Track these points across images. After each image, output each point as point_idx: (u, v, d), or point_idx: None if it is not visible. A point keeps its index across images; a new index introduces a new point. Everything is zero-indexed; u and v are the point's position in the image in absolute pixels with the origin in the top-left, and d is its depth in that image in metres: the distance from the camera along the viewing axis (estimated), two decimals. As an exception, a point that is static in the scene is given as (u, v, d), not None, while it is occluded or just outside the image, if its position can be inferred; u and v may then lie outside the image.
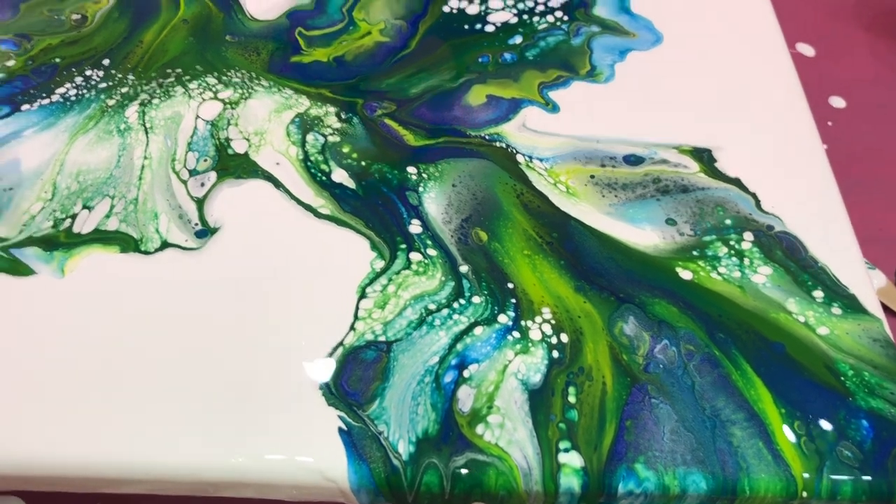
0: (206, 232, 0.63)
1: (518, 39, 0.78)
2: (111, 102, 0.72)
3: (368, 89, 0.74)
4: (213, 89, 0.73)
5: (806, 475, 0.51)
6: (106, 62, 0.76)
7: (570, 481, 0.51)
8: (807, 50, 1.09)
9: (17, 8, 0.80)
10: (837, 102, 1.00)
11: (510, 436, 0.52)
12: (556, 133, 0.71)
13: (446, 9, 0.81)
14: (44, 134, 0.70)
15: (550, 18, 0.80)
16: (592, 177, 0.68)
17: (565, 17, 0.80)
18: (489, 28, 0.79)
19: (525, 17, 0.81)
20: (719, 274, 0.62)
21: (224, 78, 0.74)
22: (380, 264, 0.61)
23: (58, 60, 0.76)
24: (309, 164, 0.68)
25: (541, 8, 0.81)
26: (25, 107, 0.72)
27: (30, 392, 0.54)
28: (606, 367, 0.56)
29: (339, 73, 0.76)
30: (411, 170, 0.68)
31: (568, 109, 0.73)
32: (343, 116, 0.72)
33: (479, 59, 0.77)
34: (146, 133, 0.70)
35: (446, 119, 0.72)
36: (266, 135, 0.70)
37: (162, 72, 0.75)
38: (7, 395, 0.54)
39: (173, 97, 0.73)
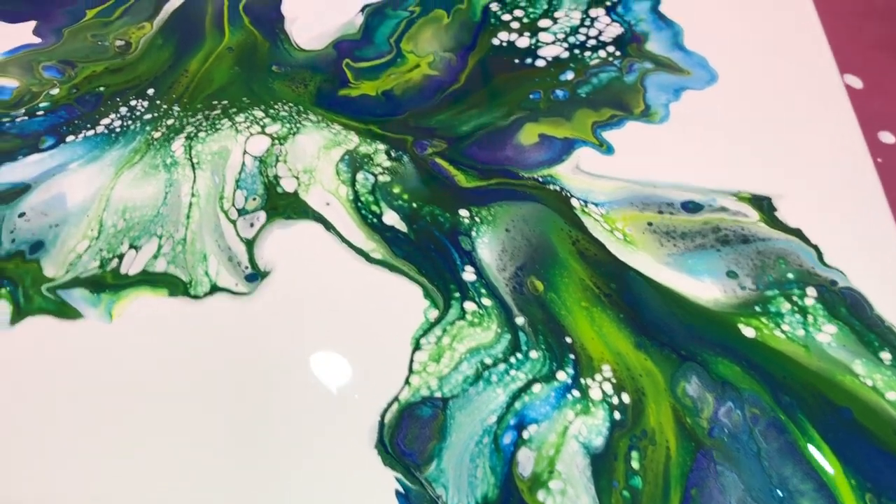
0: (256, 276, 0.61)
1: (570, 75, 0.77)
2: (157, 135, 0.71)
3: (418, 126, 0.73)
4: (261, 123, 0.72)
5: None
6: (151, 92, 0.74)
7: (639, 558, 0.49)
8: (855, 82, 1.06)
9: (60, 33, 0.79)
10: (887, 138, 0.98)
11: (573, 504, 0.50)
12: (612, 176, 0.69)
13: (496, 41, 0.79)
14: (89, 167, 0.68)
15: (602, 54, 0.78)
16: (650, 224, 0.66)
17: (618, 53, 0.78)
18: (540, 62, 0.78)
19: (576, 51, 0.79)
20: (783, 332, 0.60)
21: (271, 111, 0.73)
22: (434, 314, 0.60)
23: (102, 89, 0.74)
24: (360, 204, 0.66)
25: (592, 42, 0.79)
26: (70, 138, 0.70)
27: (77, 440, 0.52)
28: (670, 430, 0.54)
29: (387, 108, 0.74)
30: (463, 213, 0.66)
31: (623, 151, 0.71)
32: (393, 154, 0.70)
33: (531, 96, 0.75)
34: (193, 168, 0.68)
35: (498, 159, 0.70)
36: (315, 173, 0.68)
37: (208, 103, 0.74)
38: (53, 444, 0.52)
39: (220, 130, 0.71)
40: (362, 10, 0.82)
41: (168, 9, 0.81)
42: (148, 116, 0.72)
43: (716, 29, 0.81)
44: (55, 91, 0.73)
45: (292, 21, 0.81)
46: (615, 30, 0.81)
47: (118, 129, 0.71)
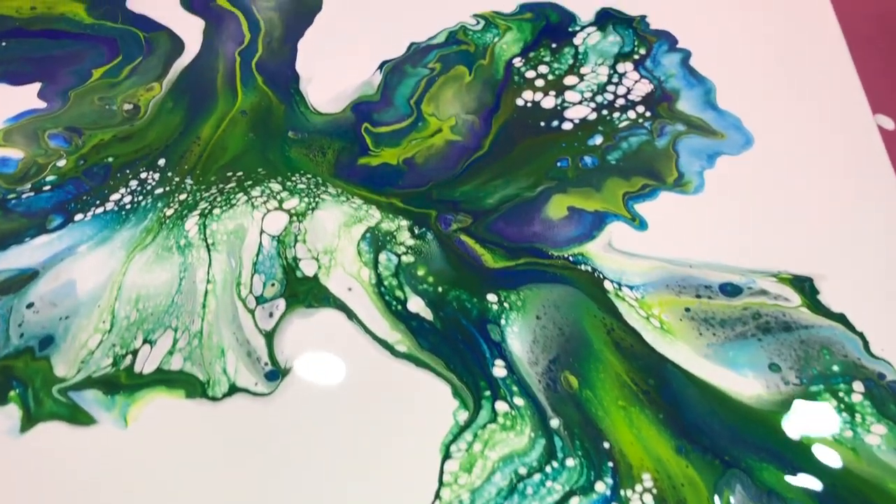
0: (276, 374, 0.58)
1: (598, 140, 0.73)
2: (169, 212, 0.68)
3: (441, 199, 0.69)
4: (278, 197, 0.69)
5: None
6: (162, 162, 0.71)
7: None
8: (887, 123, 1.03)
9: (66, 96, 0.75)
10: (923, 185, 0.94)
11: None
12: (646, 255, 0.66)
13: (520, 101, 0.76)
14: (99, 250, 0.65)
15: (632, 114, 0.75)
16: (688, 310, 0.63)
17: (647, 113, 0.75)
18: (567, 125, 0.74)
19: (604, 111, 0.75)
20: (830, 433, 0.57)
21: (289, 184, 0.70)
22: (464, 416, 0.57)
23: (110, 160, 0.71)
24: (383, 289, 0.63)
25: (621, 101, 0.76)
26: (79, 217, 0.67)
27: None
28: (716, 549, 0.51)
29: (409, 178, 0.71)
30: (492, 298, 0.63)
31: (656, 225, 0.68)
32: (416, 231, 0.67)
33: (558, 163, 0.72)
34: (208, 250, 0.65)
35: (526, 235, 0.67)
36: (336, 254, 0.65)
37: (222, 175, 0.70)
38: None
39: (235, 206, 0.68)
40: (380, 67, 0.78)
41: (177, 67, 0.78)
42: (159, 191, 0.69)
43: (748, 83, 0.78)
44: (62, 163, 0.70)
45: (308, 80, 0.77)
46: (644, 87, 0.77)
47: (128, 206, 0.68)
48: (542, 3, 0.84)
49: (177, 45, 0.80)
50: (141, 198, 0.68)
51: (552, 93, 0.77)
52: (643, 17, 0.82)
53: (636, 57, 0.80)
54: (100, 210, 0.68)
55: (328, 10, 0.84)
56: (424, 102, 0.76)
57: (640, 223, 0.68)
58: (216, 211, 0.68)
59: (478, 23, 0.83)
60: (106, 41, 0.80)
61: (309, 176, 0.71)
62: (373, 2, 0.84)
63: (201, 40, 0.81)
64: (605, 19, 0.83)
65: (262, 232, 0.66)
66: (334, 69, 0.79)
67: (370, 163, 0.72)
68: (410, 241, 0.66)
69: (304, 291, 0.63)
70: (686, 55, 0.80)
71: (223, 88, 0.77)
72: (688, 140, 0.73)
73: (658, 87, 0.77)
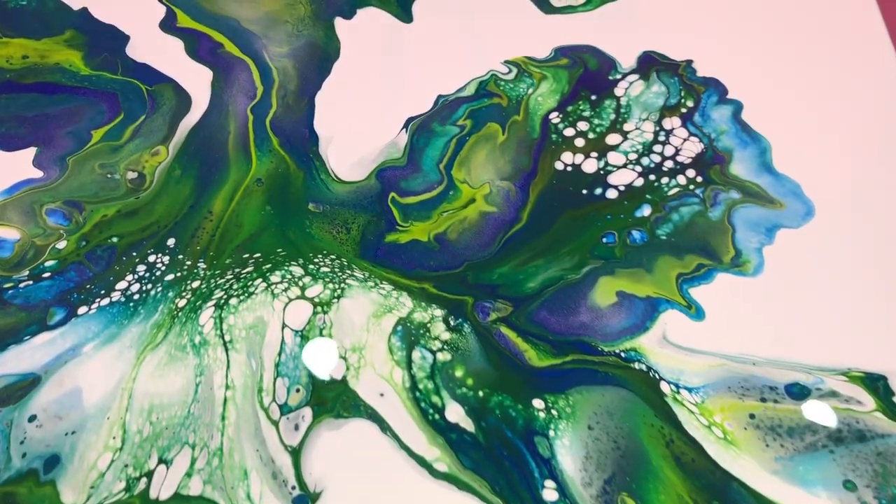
0: (305, 499, 0.53)
1: (647, 210, 0.67)
2: (181, 303, 0.61)
3: (478, 283, 0.63)
4: (300, 284, 0.62)
5: None
6: (171, 242, 0.65)
7: None
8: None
9: (65, 163, 0.69)
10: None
11: None
12: (704, 350, 0.60)
13: (559, 165, 0.69)
14: (106, 349, 0.59)
15: (682, 179, 0.68)
16: (752, 416, 0.57)
17: (699, 178, 0.68)
18: (611, 193, 0.68)
19: (651, 176, 0.69)
20: (916, 566, 0.51)
21: (311, 267, 0.64)
22: (513, 549, 0.51)
23: (115, 240, 0.65)
24: (418, 394, 0.57)
25: (669, 164, 0.69)
26: (83, 310, 0.61)
27: None
28: None
29: (442, 258, 0.65)
30: (538, 404, 0.57)
31: (714, 314, 0.62)
32: (452, 323, 0.61)
33: (604, 239, 0.66)
34: (226, 349, 0.59)
35: (572, 326, 0.61)
36: (365, 351, 0.59)
37: (238, 257, 0.64)
38: None
39: (254, 295, 0.62)
40: (406, 125, 0.72)
41: (184, 127, 0.71)
42: (170, 277, 0.63)
43: (806, 140, 0.71)
44: (62, 244, 0.64)
45: (328, 142, 0.71)
46: (694, 146, 0.71)
47: (136, 296, 0.62)
48: (578, 46, 0.77)
49: (183, 100, 0.73)
50: (150, 286, 0.62)
51: (594, 154, 0.70)
52: (689, 63, 0.76)
53: (683, 110, 0.73)
54: (105, 301, 0.61)
55: (347, 57, 0.77)
56: (455, 167, 0.70)
57: (696, 311, 0.62)
58: (233, 301, 0.61)
59: (509, 71, 0.76)
60: (105, 96, 0.73)
61: (333, 257, 0.64)
62: (395, 47, 0.77)
63: (209, 94, 0.74)
64: (648, 65, 0.76)
65: (283, 326, 0.60)
66: (356, 127, 0.72)
67: (399, 240, 0.66)
68: (446, 335, 0.60)
69: (332, 398, 0.57)
70: (737, 107, 0.73)
71: (236, 152, 0.70)
72: (744, 210, 0.67)
73: (709, 147, 0.71)
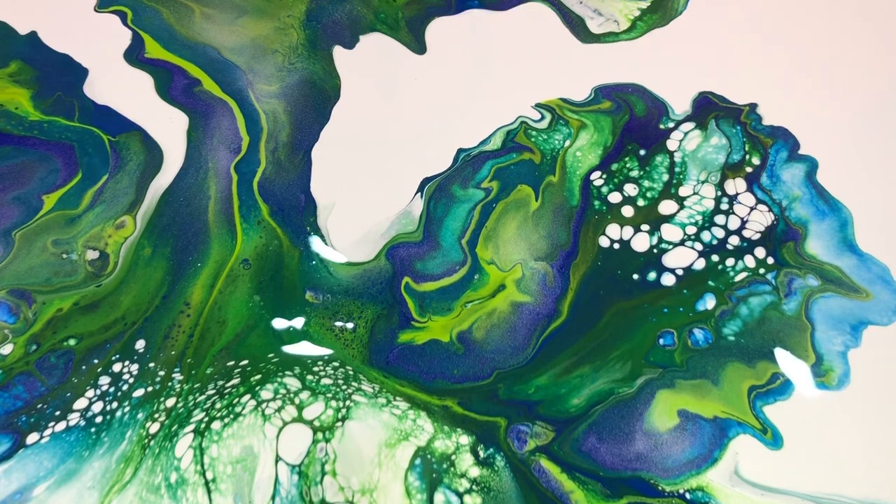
0: None
1: (710, 302, 0.56)
2: (154, 428, 0.50)
3: (512, 398, 0.52)
4: (296, 401, 0.51)
5: None
6: (140, 346, 0.53)
7: None
8: None
9: (9, 237, 0.56)
10: None
11: None
12: (784, 489, 0.49)
13: (604, 241, 0.58)
14: (62, 492, 0.48)
15: (750, 261, 0.57)
16: (845, 580, 0.47)
17: (770, 259, 0.57)
18: (668, 279, 0.56)
19: (714, 256, 0.57)
20: None
21: (310, 378, 0.52)
22: None
23: (72, 343, 0.53)
24: (443, 552, 0.47)
25: (734, 240, 0.58)
26: (33, 438, 0.50)
27: None
28: None
29: (467, 365, 0.54)
30: (589, 567, 0.47)
31: (794, 439, 0.51)
32: (482, 454, 0.50)
33: (661, 341, 0.55)
34: (208, 490, 0.48)
35: (627, 458, 0.50)
36: (377, 494, 0.48)
37: (221, 365, 0.53)
38: None
39: (241, 417, 0.51)
40: (421, 188, 0.60)
41: (155, 191, 0.59)
42: (139, 393, 0.51)
43: (894, 208, 0.60)
44: (6, 349, 0.52)
45: (327, 210, 0.59)
46: (763, 218, 0.59)
47: (99, 419, 0.50)
48: (622, 86, 0.65)
49: (153, 155, 0.61)
50: (115, 405, 0.51)
51: (645, 227, 0.59)
52: (753, 108, 0.63)
53: (749, 169, 0.61)
54: (61, 426, 0.50)
55: (349, 98, 0.64)
56: (480, 243, 0.58)
57: (773, 437, 0.51)
58: (216, 425, 0.50)
59: (542, 117, 0.63)
60: (59, 149, 0.61)
61: (336, 364, 0.53)
62: (405, 86, 0.64)
63: (185, 146, 0.61)
64: (706, 110, 0.63)
65: (277, 459, 0.49)
66: (361, 190, 0.60)
67: (415, 340, 0.54)
68: (475, 471, 0.50)
69: (339, 559, 0.46)
70: (812, 166, 0.61)
71: (217, 224, 0.58)
72: (824, 302, 0.56)
73: (780, 218, 0.59)
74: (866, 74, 0.65)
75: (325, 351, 0.54)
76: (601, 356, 0.55)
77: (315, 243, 0.58)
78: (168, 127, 0.63)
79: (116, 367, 0.53)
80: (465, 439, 0.52)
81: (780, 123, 0.64)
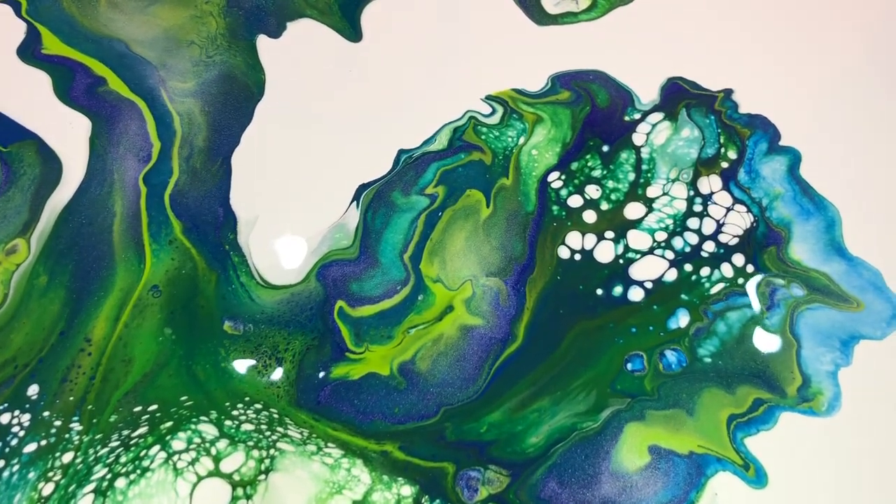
0: None
1: (683, 319, 0.49)
2: (47, 490, 0.43)
3: (461, 439, 0.46)
4: (213, 452, 0.45)
5: None
6: (33, 391, 0.46)
7: None
8: None
9: None
10: None
11: None
12: (770, 535, 0.43)
13: (564, 252, 0.51)
14: (-61, 572, 0.41)
15: (727, 270, 0.51)
16: None
17: (749, 267, 0.51)
18: (636, 293, 0.50)
19: (687, 266, 0.51)
20: None
21: (228, 424, 0.45)
22: None
23: (-46, 391, 0.46)
24: None
25: (709, 246, 0.51)
26: None
27: None
28: None
29: (410, 401, 0.47)
30: None
31: (780, 475, 0.45)
32: (427, 507, 0.44)
33: (628, 365, 0.48)
34: (110, 562, 0.41)
35: (591, 504, 0.44)
36: (307, 561, 0.42)
37: (126, 411, 0.46)
38: None
39: (149, 472, 0.44)
40: (356, 197, 0.52)
41: (52, 208, 0.51)
42: (31, 448, 0.44)
43: (886, 205, 0.53)
44: None
45: (248, 225, 0.52)
46: (741, 219, 0.53)
47: (-17, 481, 0.43)
48: (582, 73, 0.57)
49: (51, 167, 0.53)
50: (2, 464, 0.44)
51: (609, 234, 0.52)
52: (728, 94, 0.56)
53: (724, 164, 0.55)
54: (-63, 491, 0.43)
55: (274, 95, 0.56)
56: (425, 259, 0.51)
57: (756, 473, 0.45)
58: (120, 483, 0.43)
59: (493, 111, 0.56)
60: (-58, 162, 0.53)
61: (258, 406, 0.46)
62: (337, 79, 0.57)
63: (87, 155, 0.54)
64: (676, 98, 0.57)
65: (192, 523, 0.42)
66: (288, 201, 0.52)
67: (350, 374, 0.48)
68: (419, 528, 0.43)
69: None
70: (794, 159, 0.55)
71: (123, 245, 0.50)
72: (810, 315, 0.50)
73: (760, 219, 0.53)
74: (855, 56, 0.59)
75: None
76: (562, 386, 0.48)
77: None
78: (68, 134, 0.55)
79: (4, 419, 0.46)
80: (407, 490, 0.45)
81: (759, 111, 0.57)
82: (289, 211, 0.53)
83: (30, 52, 0.58)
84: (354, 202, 0.54)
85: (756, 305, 0.50)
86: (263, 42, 0.59)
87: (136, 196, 0.53)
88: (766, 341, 0.50)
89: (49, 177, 0.53)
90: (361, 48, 0.59)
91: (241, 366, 0.48)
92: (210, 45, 0.59)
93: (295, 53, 0.59)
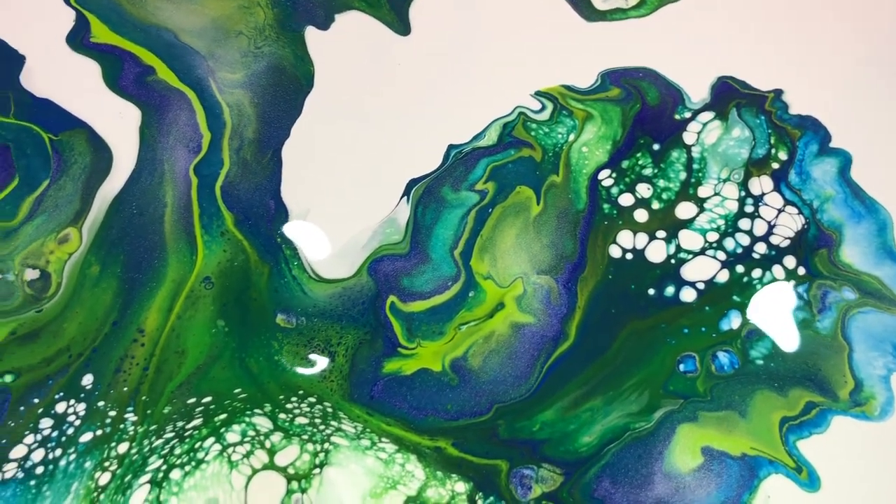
0: None
1: (735, 321, 0.49)
2: (104, 480, 0.44)
3: (514, 437, 0.46)
4: (267, 445, 0.45)
5: None
6: (88, 381, 0.46)
7: None
8: None
9: (-65, 256, 0.49)
10: None
11: None
12: (823, 539, 0.43)
13: (615, 251, 0.51)
14: (-2, 559, 0.41)
15: (779, 272, 0.51)
16: None
17: (800, 269, 0.50)
18: (687, 293, 0.50)
19: (739, 267, 0.51)
20: None
21: (282, 417, 0.45)
22: None
23: (8, 379, 0.46)
24: None
25: (761, 248, 0.51)
26: (-37, 492, 0.43)
27: None
28: None
29: (463, 398, 0.47)
30: None
31: (832, 478, 0.45)
32: (481, 504, 0.44)
33: (681, 367, 0.48)
34: (166, 553, 0.41)
35: (645, 504, 0.44)
36: (362, 555, 0.42)
37: (180, 402, 0.46)
38: None
39: (204, 465, 0.44)
40: (406, 192, 0.52)
41: (103, 198, 0.51)
42: (87, 437, 0.44)
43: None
44: (-67, 387, 0.45)
45: (301, 217, 0.51)
46: (792, 221, 0.53)
47: (40, 469, 0.44)
48: (632, 70, 0.57)
49: (101, 156, 0.53)
50: (59, 452, 0.44)
51: (661, 234, 0.52)
52: (778, 94, 0.56)
53: (775, 165, 0.54)
54: (-5, 480, 0.43)
55: (323, 87, 0.56)
56: (475, 255, 0.51)
57: (808, 477, 0.45)
58: (175, 474, 0.44)
59: (542, 107, 0.56)
60: (-7, 150, 0.53)
61: (312, 399, 0.46)
62: (387, 73, 0.56)
63: (137, 145, 0.53)
64: (726, 98, 0.56)
65: (247, 514, 0.42)
66: (339, 194, 0.52)
67: (402, 369, 0.48)
68: (474, 524, 0.43)
69: None
70: (845, 161, 0.55)
71: (174, 236, 0.50)
72: (862, 318, 0.50)
73: (811, 221, 0.52)
74: (909, 58, 0.58)
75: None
76: (614, 386, 0.48)
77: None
78: (118, 123, 0.55)
79: (60, 408, 0.46)
80: (461, 486, 0.45)
81: (809, 112, 0.56)
82: (340, 205, 0.53)
83: (79, 40, 0.58)
84: (405, 197, 0.53)
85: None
86: (312, 33, 0.59)
87: (186, 187, 0.53)
88: (817, 345, 0.49)
89: (99, 166, 0.53)
90: (410, 42, 0.59)
91: (294, 358, 0.48)
92: (258, 35, 0.58)
93: (343, 46, 0.59)
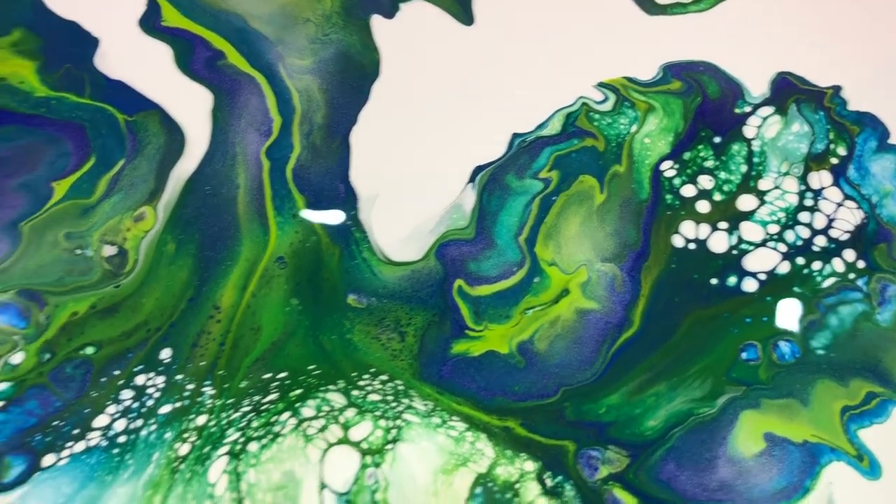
0: None
1: (796, 312, 0.50)
2: (183, 450, 0.45)
3: (580, 419, 0.47)
4: (342, 420, 0.46)
5: None
6: (166, 355, 0.48)
7: None
8: None
9: (17, 232, 0.50)
10: None
11: None
12: (885, 526, 0.44)
13: (678, 241, 0.52)
14: (83, 524, 0.43)
15: (838, 265, 0.52)
16: None
17: (860, 263, 0.51)
18: (749, 284, 0.51)
19: (799, 259, 0.51)
20: None
21: (355, 394, 0.47)
22: None
23: (90, 351, 0.48)
24: None
25: (821, 241, 0.52)
26: (49, 459, 0.44)
27: None
28: None
29: (530, 380, 0.48)
30: None
31: (893, 469, 0.46)
32: (549, 483, 0.45)
33: (743, 354, 0.49)
34: (245, 522, 0.43)
35: (709, 487, 0.45)
36: (436, 527, 0.43)
37: (256, 377, 0.47)
38: None
39: (281, 438, 0.45)
40: (473, 177, 0.53)
41: (178, 178, 0.53)
42: (166, 409, 0.46)
43: None
44: (17, 358, 0.46)
45: (370, 202, 0.53)
46: (852, 215, 0.53)
47: (122, 439, 0.45)
48: (693, 64, 0.58)
49: (174, 137, 0.54)
50: (140, 422, 0.45)
51: (722, 225, 0.53)
52: (837, 91, 0.57)
53: (834, 160, 0.55)
54: (80, 447, 0.45)
55: (389, 75, 0.57)
56: (540, 242, 0.52)
57: (869, 465, 0.46)
58: (252, 447, 0.45)
59: (605, 98, 0.57)
60: (69, 129, 0.54)
61: (384, 377, 0.47)
62: (452, 62, 0.57)
63: (210, 127, 0.55)
64: (786, 93, 0.57)
65: (322, 486, 0.44)
66: (406, 180, 0.54)
67: (470, 351, 0.49)
68: (542, 502, 0.44)
69: None
70: (903, 157, 0.55)
71: (248, 217, 0.52)
72: (922, 311, 0.50)
73: (870, 216, 0.53)
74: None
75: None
76: (678, 372, 0.49)
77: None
78: (190, 105, 0.56)
79: (140, 380, 0.47)
80: (529, 465, 0.46)
81: (867, 109, 0.57)
82: (407, 190, 0.54)
83: (150, 23, 0.59)
84: (470, 183, 0.54)
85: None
86: (377, 22, 0.60)
87: (258, 169, 0.54)
88: (878, 337, 0.50)
89: (173, 147, 0.55)
90: (474, 32, 0.60)
91: (365, 339, 0.49)
92: (326, 22, 0.60)
93: (408, 35, 0.60)
